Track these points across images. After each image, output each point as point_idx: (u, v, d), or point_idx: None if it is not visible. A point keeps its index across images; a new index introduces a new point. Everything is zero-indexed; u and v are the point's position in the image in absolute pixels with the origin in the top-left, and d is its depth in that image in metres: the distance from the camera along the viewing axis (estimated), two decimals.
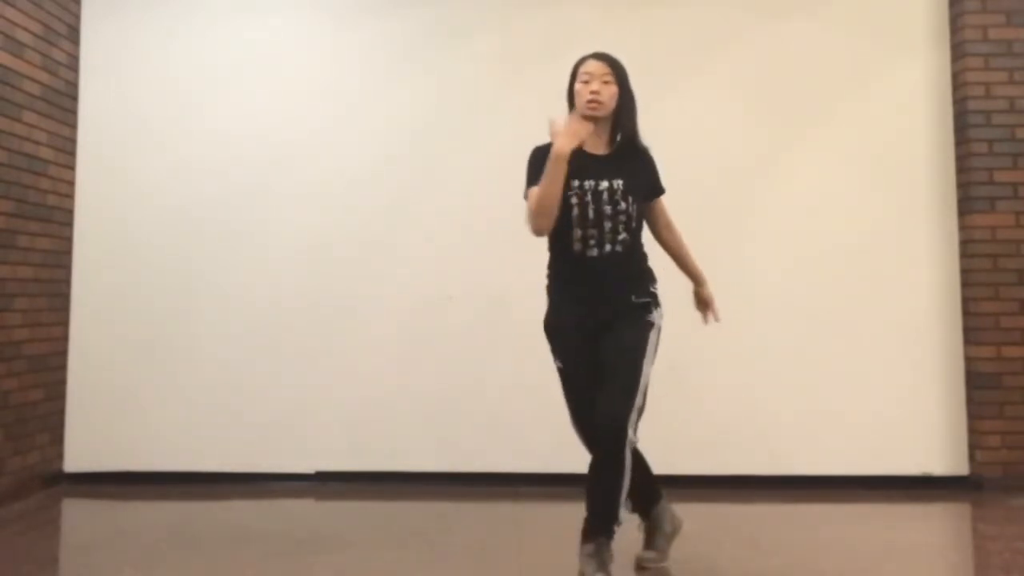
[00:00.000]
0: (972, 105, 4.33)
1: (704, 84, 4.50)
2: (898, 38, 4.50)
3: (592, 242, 2.85)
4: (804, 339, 4.36)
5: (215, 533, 3.51)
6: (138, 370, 4.41)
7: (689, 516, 3.85)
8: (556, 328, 2.92)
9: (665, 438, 4.32)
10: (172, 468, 4.35)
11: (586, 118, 2.86)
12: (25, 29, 4.06)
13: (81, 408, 4.41)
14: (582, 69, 2.92)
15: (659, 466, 4.24)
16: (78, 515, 4.04)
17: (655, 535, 3.10)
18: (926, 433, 4.32)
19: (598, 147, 2.92)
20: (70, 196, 4.46)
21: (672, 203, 4.38)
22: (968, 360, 4.33)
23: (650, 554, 3.09)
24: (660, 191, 3.05)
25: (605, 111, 2.88)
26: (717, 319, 3.16)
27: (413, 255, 4.44)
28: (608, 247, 2.86)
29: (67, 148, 4.43)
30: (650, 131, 4.41)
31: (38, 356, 4.18)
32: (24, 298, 4.06)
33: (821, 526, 3.68)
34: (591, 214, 2.84)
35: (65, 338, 4.41)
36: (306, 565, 3.09)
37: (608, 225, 2.85)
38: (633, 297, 2.91)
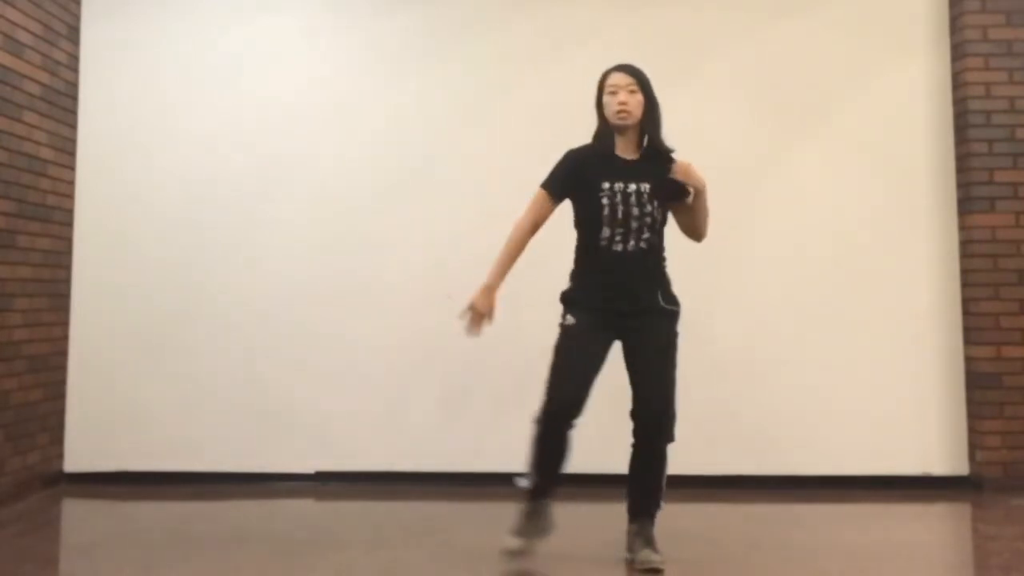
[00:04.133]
0: (972, 105, 4.33)
1: (704, 84, 4.50)
2: (898, 38, 4.50)
3: (618, 239, 3.04)
4: (804, 339, 4.36)
5: (215, 533, 3.51)
6: (138, 370, 4.41)
7: (689, 516, 3.86)
8: (576, 299, 3.10)
9: None
10: (172, 468, 4.35)
11: (616, 126, 3.08)
12: (25, 29, 4.06)
13: (81, 408, 4.41)
14: (608, 82, 3.11)
15: None
16: (78, 515, 4.04)
17: (528, 522, 3.14)
18: (926, 433, 4.32)
19: (628, 151, 3.11)
20: (70, 196, 4.46)
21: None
22: (968, 360, 4.33)
23: (518, 542, 3.13)
24: (687, 193, 3.16)
25: (633, 119, 3.07)
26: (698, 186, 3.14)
27: (413, 255, 4.44)
28: (632, 243, 3.04)
29: (67, 148, 4.43)
30: None
31: (38, 356, 4.17)
32: (24, 298, 4.06)
33: (821, 526, 3.68)
34: (620, 214, 3.03)
35: (65, 338, 4.41)
36: (306, 565, 3.09)
37: (635, 225, 3.04)
38: (661, 300, 3.09)
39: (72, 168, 4.48)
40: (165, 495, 4.17)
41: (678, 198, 3.14)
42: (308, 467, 4.38)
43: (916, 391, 4.33)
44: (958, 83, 4.42)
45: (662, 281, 3.13)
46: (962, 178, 4.39)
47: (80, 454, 4.39)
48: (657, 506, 3.14)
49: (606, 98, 3.10)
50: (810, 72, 4.48)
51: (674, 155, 3.13)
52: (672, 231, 3.22)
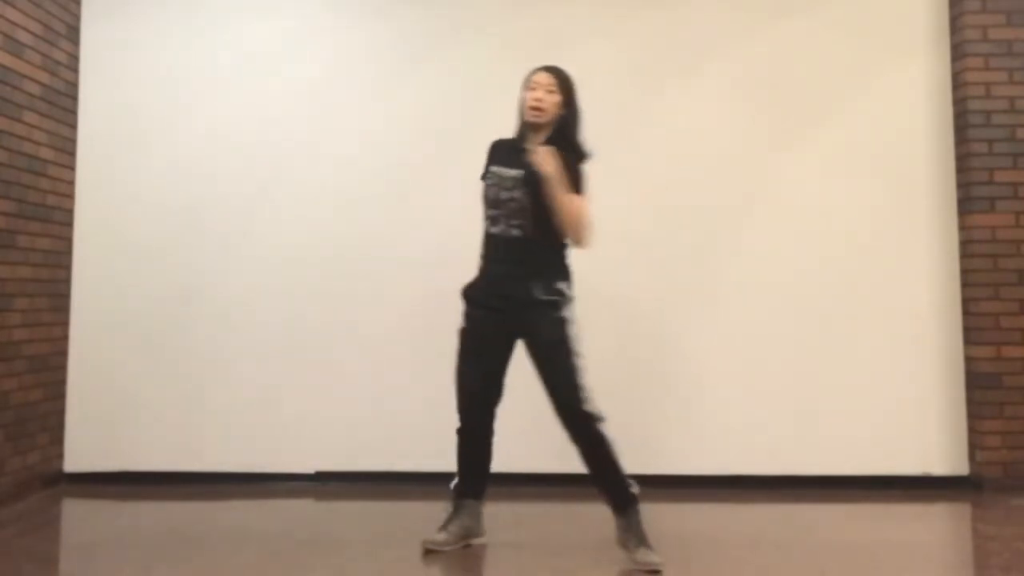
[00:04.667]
0: (972, 105, 4.34)
1: (704, 84, 4.50)
2: (898, 38, 4.50)
3: (493, 221, 3.17)
4: (804, 338, 4.36)
5: (215, 533, 3.51)
6: (138, 370, 4.41)
7: (689, 516, 3.87)
8: (469, 293, 3.23)
9: (664, 438, 4.34)
10: (172, 468, 4.36)
11: (528, 123, 3.18)
12: (25, 29, 4.06)
13: (81, 408, 4.41)
14: (531, 79, 3.21)
15: (659, 466, 4.28)
16: (78, 515, 4.04)
17: (452, 520, 3.26)
18: (926, 433, 4.32)
19: (530, 145, 3.18)
20: (70, 196, 4.46)
21: (671, 202, 4.43)
22: (968, 360, 4.33)
23: (440, 536, 3.23)
24: (577, 191, 3.15)
25: (546, 117, 3.17)
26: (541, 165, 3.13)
27: (413, 254, 4.44)
28: (503, 227, 3.15)
29: (67, 148, 4.43)
30: (648, 130, 4.46)
31: (38, 356, 4.18)
32: (24, 298, 4.06)
33: (821, 526, 3.68)
34: (492, 197, 3.18)
35: (65, 338, 4.41)
36: (306, 565, 3.09)
37: (503, 210, 3.15)
38: (537, 292, 3.12)
39: (72, 168, 4.48)
40: (165, 495, 4.17)
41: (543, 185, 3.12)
42: (308, 467, 4.38)
43: (916, 391, 4.33)
44: (958, 83, 4.42)
45: (545, 272, 3.14)
46: (962, 178, 4.39)
47: (80, 454, 4.39)
48: (626, 494, 3.12)
49: (525, 93, 3.20)
50: (810, 72, 4.49)
51: (583, 160, 3.19)
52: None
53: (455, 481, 3.31)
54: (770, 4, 4.53)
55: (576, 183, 3.15)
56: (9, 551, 3.27)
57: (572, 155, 3.17)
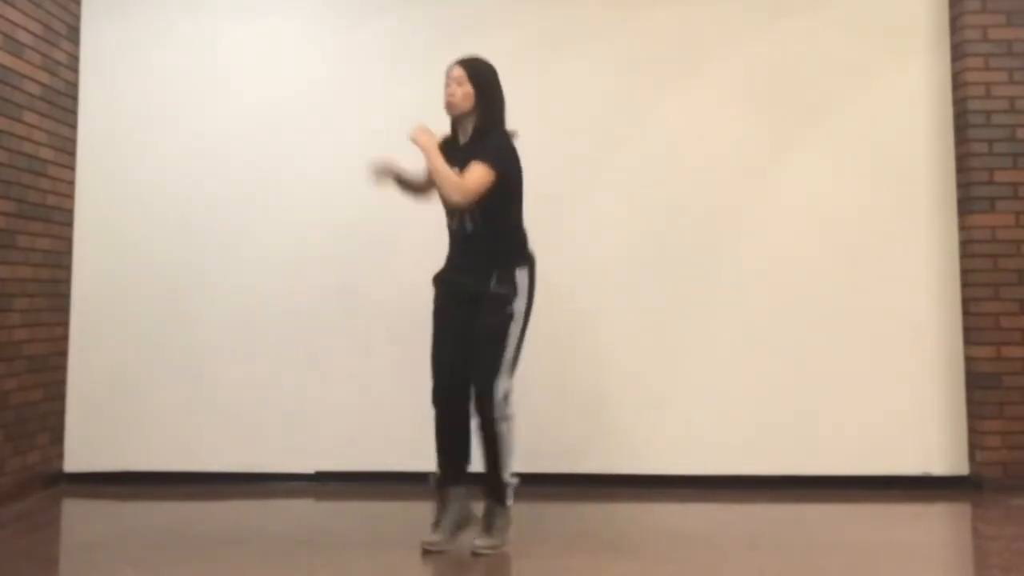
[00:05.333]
0: (972, 105, 4.33)
1: (704, 84, 4.50)
2: (898, 38, 4.50)
3: (451, 217, 3.30)
4: (804, 339, 4.36)
5: (215, 533, 3.51)
6: (138, 370, 4.41)
7: (689, 516, 3.86)
8: (436, 281, 3.37)
9: (663, 438, 4.33)
10: (172, 468, 4.35)
11: (450, 116, 3.29)
12: (25, 29, 4.06)
13: (81, 408, 4.41)
14: (447, 73, 3.29)
15: (658, 465, 4.28)
16: (78, 515, 4.04)
17: (443, 516, 3.26)
18: (926, 433, 4.31)
19: (465, 138, 3.30)
20: (70, 196, 4.46)
21: (671, 202, 4.43)
22: (968, 360, 4.33)
23: (435, 536, 3.23)
24: (483, 157, 3.18)
25: (458, 110, 3.26)
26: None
27: (413, 254, 4.43)
28: (457, 222, 3.28)
29: (67, 148, 4.43)
30: (649, 130, 4.46)
31: (38, 356, 4.17)
32: (24, 298, 4.06)
33: (821, 526, 3.68)
34: None
35: (65, 338, 4.41)
36: (306, 565, 3.09)
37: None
38: (493, 283, 3.21)
39: (72, 168, 4.48)
40: (165, 495, 4.17)
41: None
42: (308, 467, 4.38)
43: (916, 391, 4.33)
44: (958, 83, 4.42)
45: (498, 263, 3.23)
46: (962, 178, 4.39)
47: (80, 454, 4.39)
48: (498, 486, 3.19)
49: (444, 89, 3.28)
50: (810, 72, 4.48)
51: (502, 138, 3.25)
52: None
53: (433, 475, 3.32)
54: (770, 4, 4.53)
55: (487, 155, 3.19)
56: (9, 551, 3.27)
57: (495, 136, 3.25)
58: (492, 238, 3.25)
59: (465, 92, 3.24)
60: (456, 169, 3.20)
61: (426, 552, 3.19)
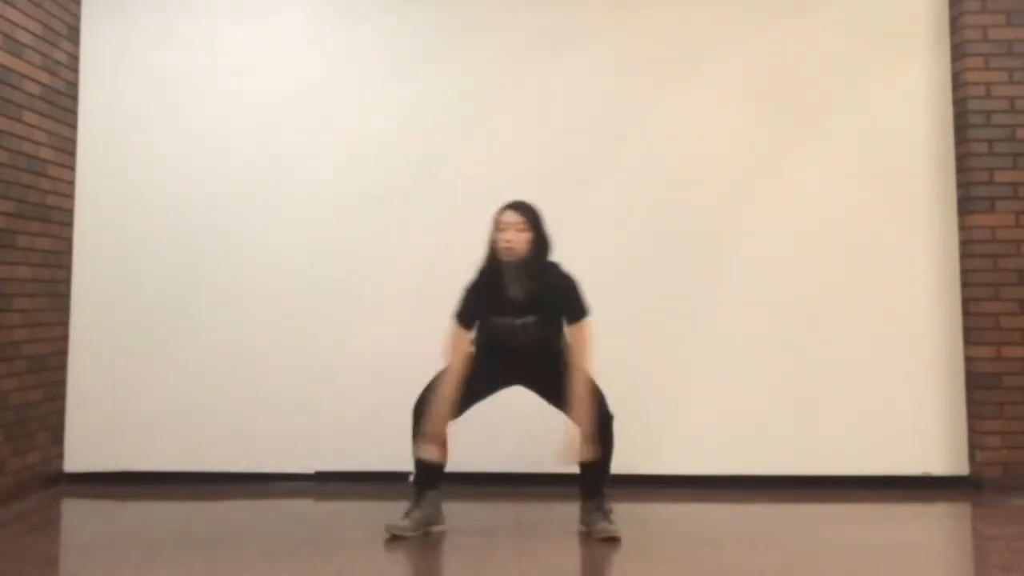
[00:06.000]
0: (972, 105, 4.33)
1: (704, 84, 4.50)
2: (898, 38, 4.50)
3: (501, 316, 3.39)
4: (804, 338, 4.36)
5: (215, 533, 3.51)
6: (138, 370, 4.41)
7: (689, 516, 3.87)
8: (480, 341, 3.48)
9: (664, 438, 4.34)
10: (172, 468, 4.36)
11: (504, 260, 3.35)
12: (25, 29, 4.06)
13: (81, 408, 4.41)
14: (499, 219, 3.38)
15: (659, 466, 4.28)
16: (78, 515, 4.04)
17: (415, 509, 3.43)
18: (926, 433, 4.32)
19: (519, 284, 3.37)
20: (70, 196, 4.46)
21: (670, 202, 4.43)
22: (968, 360, 4.33)
23: (404, 522, 3.39)
24: (578, 315, 3.42)
25: (516, 256, 3.34)
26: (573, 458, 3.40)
27: (413, 255, 4.44)
28: (510, 320, 3.39)
29: (67, 148, 4.43)
30: (649, 130, 4.46)
31: (38, 356, 4.17)
32: (24, 298, 4.06)
33: (821, 526, 3.68)
34: (507, 340, 3.39)
35: (65, 338, 4.41)
36: (306, 565, 3.08)
37: (522, 348, 3.40)
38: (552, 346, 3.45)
39: (72, 168, 4.48)
40: (165, 495, 4.17)
41: (569, 320, 3.44)
42: (308, 467, 4.38)
43: (916, 391, 4.33)
44: (958, 83, 4.42)
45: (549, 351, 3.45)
46: (962, 178, 4.39)
47: (80, 454, 4.39)
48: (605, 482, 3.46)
49: (495, 235, 3.37)
50: (810, 72, 4.48)
51: (570, 278, 3.42)
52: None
53: (415, 476, 3.48)
54: (770, 4, 4.53)
55: (578, 302, 3.42)
56: (9, 551, 3.27)
57: (556, 274, 3.42)
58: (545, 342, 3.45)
59: (525, 239, 3.34)
60: (523, 320, 3.38)
61: (393, 537, 3.33)
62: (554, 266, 3.43)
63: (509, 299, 3.39)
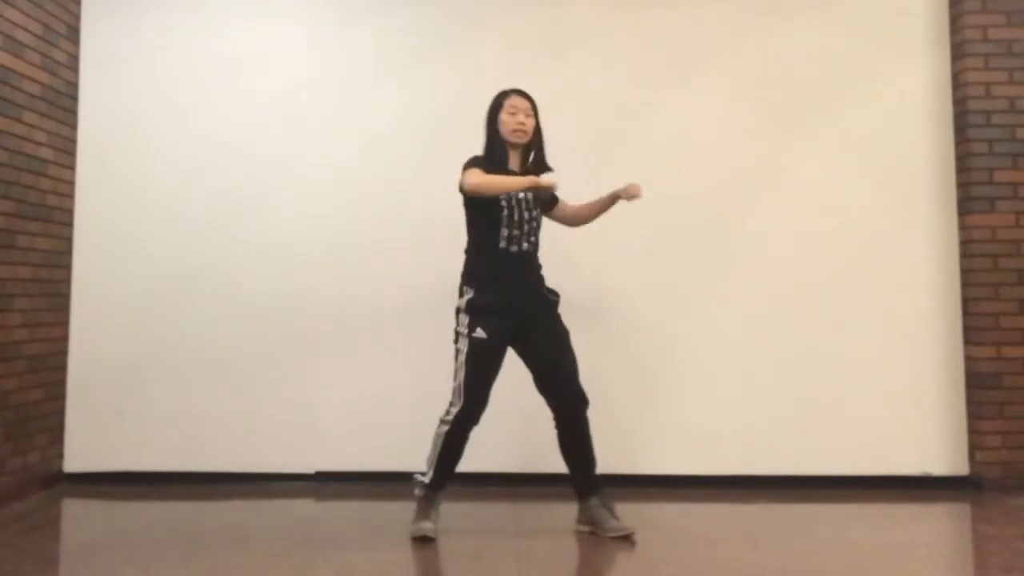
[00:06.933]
0: (972, 105, 4.34)
1: (704, 84, 4.51)
2: (898, 38, 4.50)
3: (515, 241, 3.44)
4: (803, 338, 4.36)
5: (215, 533, 3.51)
6: (138, 370, 4.41)
7: (689, 516, 3.87)
8: (483, 306, 3.38)
9: (664, 438, 4.34)
10: (172, 468, 4.36)
11: (510, 143, 3.49)
12: (25, 29, 4.06)
13: (81, 408, 4.41)
14: (508, 102, 3.50)
15: (658, 466, 4.29)
16: (78, 515, 4.04)
17: (432, 509, 3.46)
18: (926, 433, 4.32)
19: (517, 166, 3.55)
20: (70, 196, 4.46)
21: (670, 202, 4.43)
22: (968, 360, 4.33)
23: (428, 524, 3.41)
24: (556, 198, 3.65)
25: (525, 140, 3.50)
26: (635, 195, 3.55)
27: (413, 255, 4.44)
28: (526, 245, 3.46)
29: (67, 148, 4.43)
30: (649, 130, 4.46)
31: (38, 356, 4.18)
32: (24, 298, 4.06)
33: (821, 526, 3.68)
34: (516, 217, 3.43)
35: (65, 338, 4.41)
36: (306, 565, 3.09)
37: (526, 228, 3.46)
38: (548, 294, 3.52)
39: (72, 168, 4.48)
40: (165, 495, 4.17)
41: (548, 208, 3.64)
42: (308, 467, 4.39)
43: (916, 391, 4.33)
44: (958, 83, 4.42)
45: (543, 279, 3.55)
46: (962, 178, 4.39)
47: (80, 454, 4.39)
48: (597, 477, 3.50)
49: (505, 116, 3.48)
50: (810, 72, 4.49)
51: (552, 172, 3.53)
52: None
53: (431, 478, 3.45)
54: (770, 4, 4.53)
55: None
56: (9, 551, 3.27)
57: (541, 169, 3.57)
58: (536, 258, 3.54)
59: (532, 124, 3.50)
60: (524, 194, 3.46)
61: (425, 539, 3.33)
62: (545, 162, 3.57)
63: (511, 172, 3.49)
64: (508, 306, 3.38)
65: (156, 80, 4.54)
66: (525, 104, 3.49)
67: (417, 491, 3.47)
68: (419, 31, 4.54)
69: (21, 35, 4.03)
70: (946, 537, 3.79)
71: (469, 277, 3.47)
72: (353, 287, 4.43)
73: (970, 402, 4.31)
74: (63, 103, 4.39)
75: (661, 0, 4.54)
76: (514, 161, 3.52)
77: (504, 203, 3.41)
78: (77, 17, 4.53)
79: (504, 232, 3.42)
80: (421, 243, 4.44)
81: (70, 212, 4.46)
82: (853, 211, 4.41)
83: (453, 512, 3.65)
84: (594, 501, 3.44)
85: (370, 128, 4.51)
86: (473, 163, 3.43)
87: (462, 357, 3.37)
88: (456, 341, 3.43)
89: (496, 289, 3.39)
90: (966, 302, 4.34)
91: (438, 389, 4.35)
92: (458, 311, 3.44)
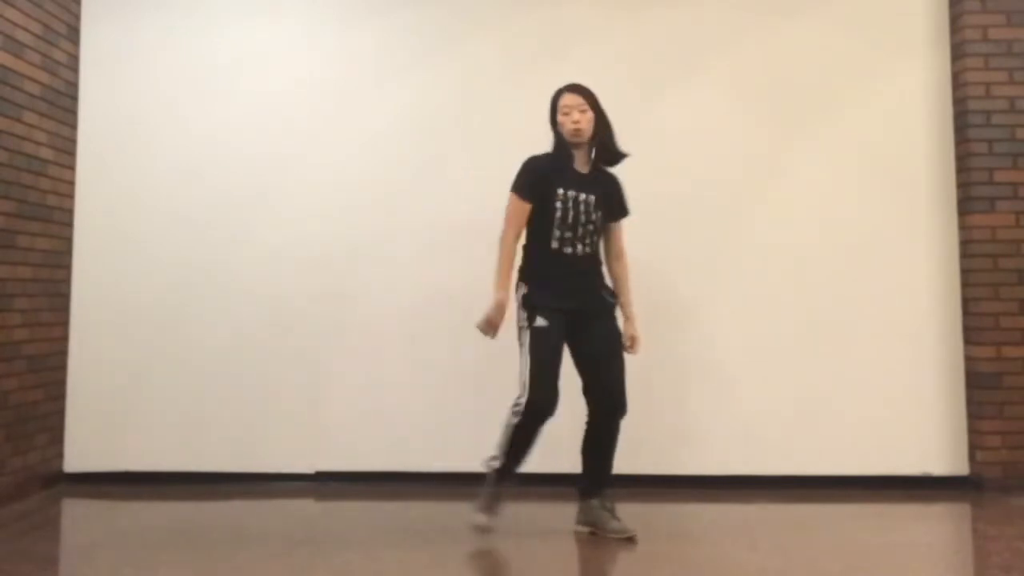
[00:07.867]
0: (972, 105, 4.34)
1: (704, 84, 4.51)
2: (898, 38, 4.50)
3: (567, 242, 3.39)
4: (804, 338, 4.36)
5: (215, 533, 3.51)
6: (138, 370, 4.41)
7: (689, 516, 3.87)
8: (540, 300, 3.36)
9: (664, 438, 4.33)
10: (172, 468, 4.36)
11: (571, 143, 3.43)
12: (25, 29, 4.06)
13: (81, 408, 4.41)
14: (561, 103, 3.44)
15: (659, 465, 4.28)
16: (78, 515, 4.04)
17: (495, 501, 3.49)
18: (926, 433, 4.32)
19: (581, 164, 3.47)
20: (70, 196, 4.46)
21: (670, 202, 4.43)
22: (968, 360, 4.33)
23: (485, 517, 3.46)
24: (625, 212, 3.62)
25: (586, 136, 3.42)
26: (634, 351, 3.55)
27: (413, 255, 4.44)
28: (580, 247, 3.41)
29: (67, 148, 4.43)
30: (649, 130, 4.46)
31: (38, 356, 4.18)
32: (24, 298, 4.06)
33: (821, 526, 3.68)
34: (570, 219, 3.38)
35: (65, 338, 4.41)
36: (306, 565, 3.09)
37: (580, 231, 3.40)
38: (604, 295, 3.49)
39: (72, 168, 4.48)
40: (165, 495, 4.17)
41: (609, 218, 3.55)
42: (308, 467, 4.39)
43: (916, 391, 4.33)
44: (958, 83, 4.42)
45: (603, 279, 3.53)
46: (962, 178, 4.39)
47: (80, 454, 4.39)
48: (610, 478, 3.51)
49: (561, 118, 3.42)
50: (810, 72, 4.49)
51: (618, 178, 3.54)
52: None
53: (501, 463, 3.42)
54: (770, 4, 4.53)
55: (622, 202, 3.60)
56: (9, 551, 3.27)
57: (613, 175, 3.55)
58: (599, 260, 3.52)
59: (589, 118, 3.41)
60: (586, 196, 3.41)
61: (480, 531, 3.42)
62: (619, 151, 3.49)
63: (575, 171, 3.44)
64: (560, 304, 3.36)
65: (156, 80, 4.54)
66: (577, 100, 3.41)
67: (487, 472, 3.47)
68: (419, 31, 4.55)
69: (21, 35, 4.03)
70: (946, 537, 3.79)
71: (523, 273, 3.45)
72: (353, 287, 4.43)
73: (970, 402, 4.31)
74: (63, 103, 4.39)
75: (661, 0, 4.54)
76: (580, 159, 3.47)
77: (559, 204, 3.37)
78: (77, 17, 4.53)
79: (556, 233, 3.38)
80: (421, 243, 4.44)
81: (70, 212, 4.46)
82: (853, 211, 4.41)
83: (453, 512, 3.66)
84: (595, 502, 3.45)
85: (370, 128, 4.51)
86: (518, 181, 3.41)
87: (525, 348, 3.34)
88: (519, 337, 3.40)
89: (548, 287, 3.37)
90: (966, 302, 4.34)
91: (438, 389, 4.37)
92: (518, 305, 3.43)
